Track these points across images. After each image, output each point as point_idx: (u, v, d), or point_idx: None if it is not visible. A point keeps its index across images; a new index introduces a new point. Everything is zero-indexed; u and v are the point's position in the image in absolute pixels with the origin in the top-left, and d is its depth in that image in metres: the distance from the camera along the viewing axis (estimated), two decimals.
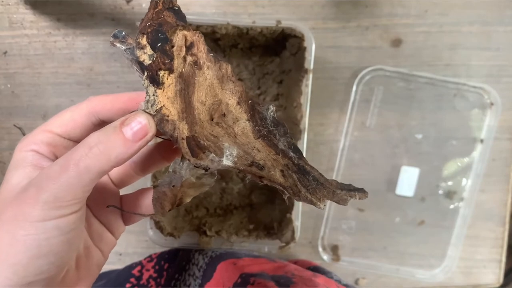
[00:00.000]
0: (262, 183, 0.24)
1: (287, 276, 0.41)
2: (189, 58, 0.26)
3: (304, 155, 0.49)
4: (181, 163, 0.26)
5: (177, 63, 0.25)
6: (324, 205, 0.24)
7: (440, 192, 0.54)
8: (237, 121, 0.26)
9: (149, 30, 0.24)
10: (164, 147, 0.28)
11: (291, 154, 0.26)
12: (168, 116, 0.23)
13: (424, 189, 0.54)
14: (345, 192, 0.25)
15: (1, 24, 0.50)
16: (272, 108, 0.27)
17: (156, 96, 0.23)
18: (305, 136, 0.48)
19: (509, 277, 0.63)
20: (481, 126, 0.53)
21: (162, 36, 0.24)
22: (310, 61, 0.47)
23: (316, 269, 0.49)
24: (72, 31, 0.50)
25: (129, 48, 0.24)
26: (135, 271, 0.47)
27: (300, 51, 0.48)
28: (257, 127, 0.26)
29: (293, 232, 0.47)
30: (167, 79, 0.24)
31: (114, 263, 0.53)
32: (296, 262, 0.52)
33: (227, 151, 0.24)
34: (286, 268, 0.43)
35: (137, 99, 0.25)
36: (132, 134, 0.22)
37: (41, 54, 0.50)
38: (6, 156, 0.52)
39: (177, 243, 0.48)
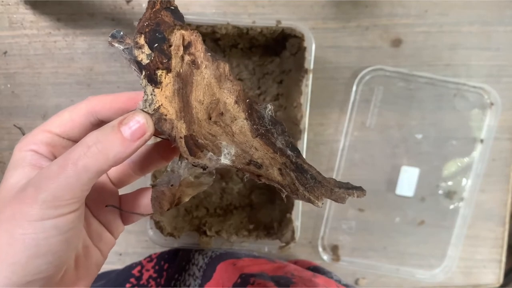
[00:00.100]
0: (260, 182, 0.24)
1: (286, 276, 0.40)
2: (187, 58, 0.26)
3: (304, 155, 0.49)
4: (179, 162, 0.26)
5: (174, 62, 0.25)
6: (322, 203, 0.24)
7: (440, 192, 0.54)
8: (235, 120, 0.26)
9: (147, 29, 0.24)
10: (162, 147, 0.28)
11: (289, 152, 0.26)
12: (166, 115, 0.23)
13: (424, 189, 0.54)
14: (343, 190, 0.25)
15: (1, 24, 0.50)
16: (270, 107, 0.27)
17: (154, 95, 0.23)
18: (305, 136, 0.48)
19: (509, 277, 0.63)
20: (481, 126, 0.53)
21: (159, 36, 0.24)
22: (310, 61, 0.47)
23: (316, 269, 0.49)
24: (72, 31, 0.50)
25: (127, 48, 0.24)
26: (135, 271, 0.47)
27: (300, 51, 0.48)
28: (255, 126, 0.26)
29: (293, 232, 0.47)
30: (165, 78, 0.24)
31: (114, 263, 0.53)
32: (296, 262, 0.52)
33: (225, 149, 0.24)
34: (286, 269, 0.43)
35: (135, 98, 0.25)
36: (130, 133, 0.22)
37: (41, 54, 0.50)
38: (6, 156, 0.52)
39: (177, 243, 0.48)
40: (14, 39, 0.50)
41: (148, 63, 0.24)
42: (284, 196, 0.25)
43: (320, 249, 0.54)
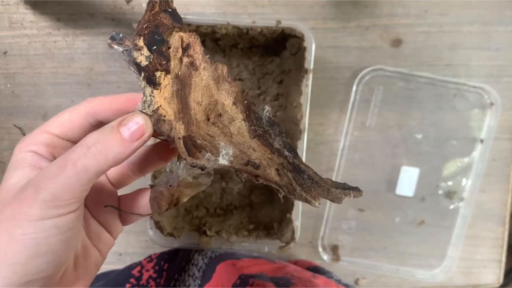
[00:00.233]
0: (257, 182, 0.25)
1: (286, 277, 0.40)
2: (186, 59, 0.26)
3: (304, 155, 0.49)
4: (178, 163, 0.26)
5: (173, 64, 0.25)
6: (319, 203, 0.25)
7: (440, 192, 0.54)
8: (233, 121, 0.26)
9: (145, 31, 0.25)
10: (161, 148, 0.29)
11: (286, 153, 0.26)
12: (165, 116, 0.24)
13: (424, 189, 0.54)
14: (339, 190, 0.25)
15: (1, 24, 0.50)
16: (267, 108, 0.27)
17: (153, 96, 0.24)
18: (305, 136, 0.48)
19: (509, 277, 0.63)
20: (481, 126, 0.53)
21: (158, 38, 0.25)
22: (310, 61, 0.47)
23: (316, 269, 0.49)
24: (72, 31, 0.50)
25: (126, 50, 0.24)
26: (135, 272, 0.47)
27: (300, 51, 0.48)
28: (252, 127, 0.26)
29: (293, 232, 0.47)
30: (164, 80, 0.24)
31: (114, 263, 0.53)
32: (296, 263, 0.52)
33: (223, 150, 0.24)
34: (285, 269, 0.43)
35: (135, 100, 0.25)
36: (129, 134, 0.22)
37: (41, 54, 0.50)
38: (6, 156, 0.52)
39: (177, 243, 0.48)
40: (14, 39, 0.50)
41: (147, 65, 0.24)
42: (281, 196, 0.25)
43: (320, 249, 0.54)
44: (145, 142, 0.23)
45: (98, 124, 0.25)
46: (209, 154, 0.23)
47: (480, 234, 0.55)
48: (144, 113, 0.23)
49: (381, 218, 0.54)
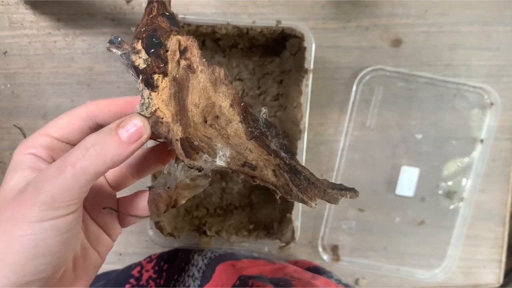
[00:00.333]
0: (254, 183, 0.25)
1: (286, 278, 0.40)
2: (183, 62, 0.26)
3: (304, 155, 0.49)
4: (175, 164, 0.26)
5: (171, 67, 0.25)
6: (315, 204, 0.25)
7: (440, 192, 0.54)
8: (230, 122, 0.27)
9: (143, 35, 0.25)
10: (159, 150, 0.29)
11: (283, 154, 0.26)
12: (162, 118, 0.24)
13: (424, 189, 0.54)
14: (336, 191, 0.25)
15: (1, 24, 0.50)
16: (264, 110, 0.28)
17: (151, 99, 0.24)
18: (305, 136, 0.48)
19: (509, 277, 0.63)
20: (481, 126, 0.53)
21: (156, 41, 0.25)
22: (310, 61, 0.47)
23: (316, 269, 0.49)
24: (72, 31, 0.50)
25: (125, 53, 0.25)
26: (135, 272, 0.47)
27: (300, 51, 0.48)
28: (249, 129, 0.27)
29: (293, 232, 0.47)
30: (162, 82, 0.25)
31: (114, 263, 0.53)
32: (296, 263, 0.52)
33: (220, 151, 0.24)
34: (285, 270, 0.43)
35: (133, 103, 0.26)
36: (127, 136, 0.22)
37: (41, 54, 0.50)
38: (6, 156, 0.52)
39: (177, 243, 0.48)
40: (14, 39, 0.50)
41: (145, 68, 0.24)
42: (278, 197, 0.25)
43: (320, 249, 0.54)
44: (143, 144, 0.23)
45: (97, 127, 0.26)
46: (206, 155, 0.23)
47: (480, 234, 0.55)
48: (142, 115, 0.24)
49: (381, 218, 0.54)
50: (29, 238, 0.21)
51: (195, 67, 0.27)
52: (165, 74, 0.25)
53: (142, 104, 0.24)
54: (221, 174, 0.53)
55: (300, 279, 0.40)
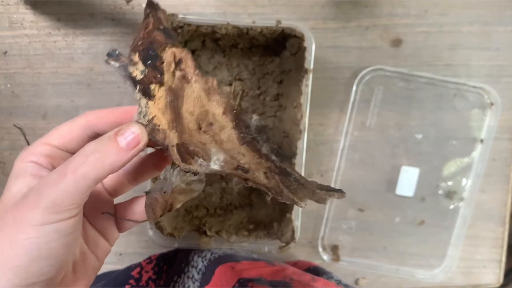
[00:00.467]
0: (247, 185, 0.26)
1: (285, 281, 0.41)
2: (178, 73, 0.28)
3: (304, 155, 0.49)
4: (171, 170, 0.27)
5: (167, 77, 0.27)
6: (305, 204, 0.26)
7: (440, 192, 0.54)
8: (223, 129, 0.28)
9: (141, 48, 0.27)
10: (155, 157, 0.30)
11: (273, 158, 0.28)
12: (159, 125, 0.25)
13: (424, 189, 0.54)
14: (324, 192, 0.26)
15: (1, 24, 0.50)
16: (255, 117, 0.29)
17: (148, 107, 0.25)
18: (305, 136, 0.48)
19: (509, 277, 0.63)
20: (481, 126, 0.53)
21: (152, 53, 0.27)
22: (310, 61, 0.47)
23: (316, 270, 0.49)
24: (72, 31, 0.50)
25: (123, 66, 0.26)
26: (135, 273, 0.47)
27: (300, 51, 0.48)
28: (241, 134, 0.28)
29: (293, 232, 0.47)
30: (158, 91, 0.26)
31: (114, 263, 0.53)
32: (295, 263, 0.52)
33: (214, 156, 0.26)
34: (284, 272, 0.43)
35: (130, 112, 0.27)
36: (126, 143, 0.23)
37: (41, 54, 0.50)
38: (6, 156, 0.52)
39: (177, 243, 0.49)
40: (14, 39, 0.50)
41: (142, 78, 0.26)
42: (269, 199, 0.26)
43: (320, 249, 0.54)
44: (140, 150, 0.24)
45: (95, 136, 0.27)
46: (201, 160, 0.25)
47: (480, 234, 0.55)
48: (140, 123, 0.25)
49: (381, 218, 0.54)
50: (32, 241, 0.21)
51: (189, 77, 0.28)
52: (161, 84, 0.26)
53: (140, 112, 0.25)
54: (221, 174, 0.53)
55: (299, 281, 0.40)
